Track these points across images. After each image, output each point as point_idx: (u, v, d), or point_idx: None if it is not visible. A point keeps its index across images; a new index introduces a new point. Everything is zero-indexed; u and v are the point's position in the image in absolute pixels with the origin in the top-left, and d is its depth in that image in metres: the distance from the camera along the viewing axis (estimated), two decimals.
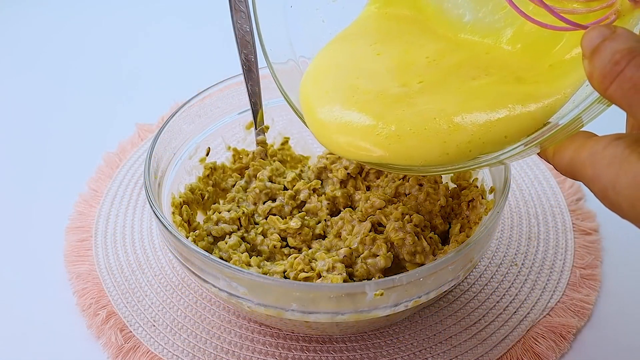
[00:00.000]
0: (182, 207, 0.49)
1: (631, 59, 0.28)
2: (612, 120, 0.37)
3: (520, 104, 0.35)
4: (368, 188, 0.52)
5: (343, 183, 0.52)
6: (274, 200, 0.51)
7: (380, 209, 0.48)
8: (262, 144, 0.55)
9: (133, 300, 0.50)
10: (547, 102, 0.35)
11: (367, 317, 0.39)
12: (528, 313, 0.50)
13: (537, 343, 0.48)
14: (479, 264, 0.53)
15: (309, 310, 0.39)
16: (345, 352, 0.47)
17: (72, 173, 0.62)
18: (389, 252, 0.44)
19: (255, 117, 0.53)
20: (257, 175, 0.52)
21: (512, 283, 0.52)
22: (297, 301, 0.38)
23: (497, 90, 0.36)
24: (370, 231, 0.45)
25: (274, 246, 0.47)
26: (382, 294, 0.37)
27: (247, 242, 0.48)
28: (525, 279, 0.52)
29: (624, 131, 0.33)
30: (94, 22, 0.83)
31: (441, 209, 0.49)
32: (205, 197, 0.52)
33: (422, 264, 0.44)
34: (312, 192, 0.51)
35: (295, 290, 0.38)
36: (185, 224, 0.48)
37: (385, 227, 0.46)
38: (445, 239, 0.49)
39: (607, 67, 0.29)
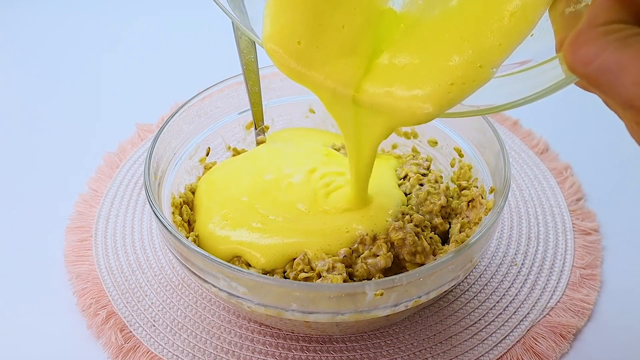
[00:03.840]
0: (182, 207, 0.49)
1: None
2: None
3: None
4: None
5: None
6: None
7: None
8: (262, 143, 0.55)
9: (133, 300, 0.50)
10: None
11: (367, 317, 0.39)
12: (528, 313, 0.50)
13: (537, 343, 0.48)
14: (479, 264, 0.53)
15: (309, 310, 0.39)
16: (345, 352, 0.47)
17: (72, 173, 0.62)
18: (389, 252, 0.44)
19: (255, 117, 0.53)
20: None
21: (512, 283, 0.52)
22: (297, 301, 0.38)
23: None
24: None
25: None
26: (382, 294, 0.37)
27: None
28: (525, 279, 0.52)
29: None
30: (93, 21, 0.83)
31: (441, 209, 0.49)
32: None
33: (422, 264, 0.44)
34: None
35: (295, 290, 0.38)
36: (185, 224, 0.48)
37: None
38: (445, 239, 0.49)
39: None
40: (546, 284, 0.52)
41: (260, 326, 0.48)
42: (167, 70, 0.75)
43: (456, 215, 0.50)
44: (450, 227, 0.49)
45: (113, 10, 0.85)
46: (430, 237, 0.46)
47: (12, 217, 0.58)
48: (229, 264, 0.39)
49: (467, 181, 0.51)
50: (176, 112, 0.50)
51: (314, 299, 0.38)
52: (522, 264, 0.53)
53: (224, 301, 0.44)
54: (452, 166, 0.53)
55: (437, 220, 0.49)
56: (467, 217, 0.49)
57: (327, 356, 0.46)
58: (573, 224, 0.57)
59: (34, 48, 0.79)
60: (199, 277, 0.41)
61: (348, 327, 0.41)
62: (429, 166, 0.53)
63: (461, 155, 0.53)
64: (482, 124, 0.49)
